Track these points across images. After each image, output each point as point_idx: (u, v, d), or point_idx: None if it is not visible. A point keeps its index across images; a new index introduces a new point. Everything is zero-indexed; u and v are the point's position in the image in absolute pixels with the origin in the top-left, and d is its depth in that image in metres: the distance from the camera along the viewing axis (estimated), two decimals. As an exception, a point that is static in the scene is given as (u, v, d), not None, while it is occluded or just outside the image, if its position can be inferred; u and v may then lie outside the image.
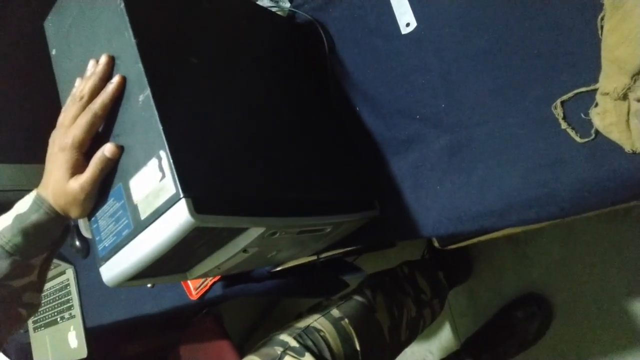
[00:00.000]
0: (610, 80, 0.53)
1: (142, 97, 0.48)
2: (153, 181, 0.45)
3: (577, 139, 0.57)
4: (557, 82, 0.58)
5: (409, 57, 0.71)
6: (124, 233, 0.47)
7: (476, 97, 0.65)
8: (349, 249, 0.82)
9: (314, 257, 0.80)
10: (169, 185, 0.44)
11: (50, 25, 0.62)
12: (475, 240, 0.83)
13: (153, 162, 0.46)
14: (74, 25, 0.58)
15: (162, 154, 0.45)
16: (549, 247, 1.20)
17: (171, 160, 0.44)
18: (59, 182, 0.53)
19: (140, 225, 0.46)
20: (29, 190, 0.58)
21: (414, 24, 0.70)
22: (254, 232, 0.52)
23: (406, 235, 0.71)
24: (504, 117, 0.62)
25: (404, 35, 0.72)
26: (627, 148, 0.53)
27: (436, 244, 0.86)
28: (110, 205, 0.50)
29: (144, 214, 0.45)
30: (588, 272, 1.14)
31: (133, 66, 0.50)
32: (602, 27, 0.55)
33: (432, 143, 0.69)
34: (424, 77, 0.70)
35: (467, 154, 0.65)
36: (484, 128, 0.64)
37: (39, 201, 0.56)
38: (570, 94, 0.57)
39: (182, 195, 0.43)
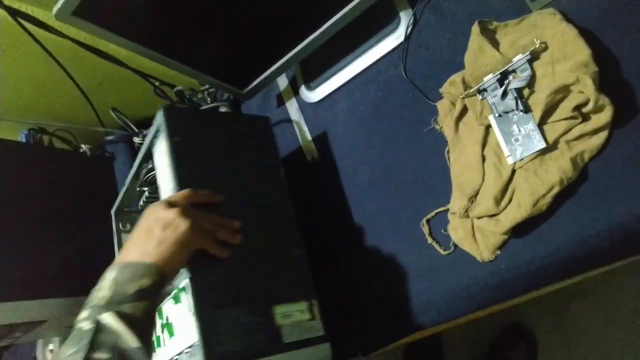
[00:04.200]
0: (455, 202, 0.64)
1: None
2: (302, 318, 0.64)
3: (441, 251, 0.66)
4: (422, 204, 0.69)
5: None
6: (258, 346, 0.58)
7: (365, 219, 0.76)
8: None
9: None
10: (318, 327, 0.65)
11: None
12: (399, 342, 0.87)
13: (305, 303, 0.65)
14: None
15: (314, 302, 0.67)
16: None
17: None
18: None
19: (281, 346, 0.60)
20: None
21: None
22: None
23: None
24: (386, 236, 0.72)
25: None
26: (478, 258, 0.62)
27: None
28: (241, 315, 0.59)
29: (287, 338, 0.61)
30: None
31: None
32: (449, 158, 0.68)
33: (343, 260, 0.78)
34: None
35: (370, 274, 0.74)
36: (371, 246, 0.74)
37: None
38: (432, 214, 0.68)
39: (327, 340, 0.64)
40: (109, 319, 0.47)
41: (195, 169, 0.66)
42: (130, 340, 0.46)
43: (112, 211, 0.90)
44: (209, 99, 1.00)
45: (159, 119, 0.68)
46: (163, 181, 0.69)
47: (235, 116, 0.93)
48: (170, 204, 0.57)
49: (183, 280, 0.60)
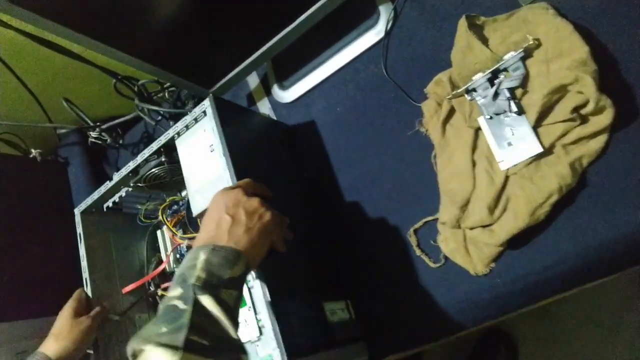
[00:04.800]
0: (445, 211, 0.59)
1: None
2: (344, 316, 0.64)
3: (431, 264, 0.61)
4: (408, 212, 0.64)
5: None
6: (320, 340, 0.58)
7: (346, 229, 0.70)
8: None
9: None
10: (356, 326, 0.66)
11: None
12: None
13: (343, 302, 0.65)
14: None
15: (349, 302, 0.67)
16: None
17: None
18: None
19: (334, 342, 0.59)
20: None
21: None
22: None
23: None
24: (369, 248, 0.67)
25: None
26: (471, 271, 0.57)
27: None
28: (303, 309, 0.58)
29: (337, 334, 0.61)
30: None
31: None
32: (436, 163, 0.63)
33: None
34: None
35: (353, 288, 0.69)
36: (354, 259, 0.68)
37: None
38: (420, 223, 0.63)
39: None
40: (207, 301, 0.43)
41: (242, 162, 0.62)
42: (229, 329, 0.43)
43: (78, 211, 0.81)
44: (168, 98, 0.92)
45: (204, 107, 0.64)
46: (196, 174, 0.65)
47: (262, 115, 0.86)
48: (244, 190, 0.53)
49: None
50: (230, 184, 0.58)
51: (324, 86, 0.78)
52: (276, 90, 0.83)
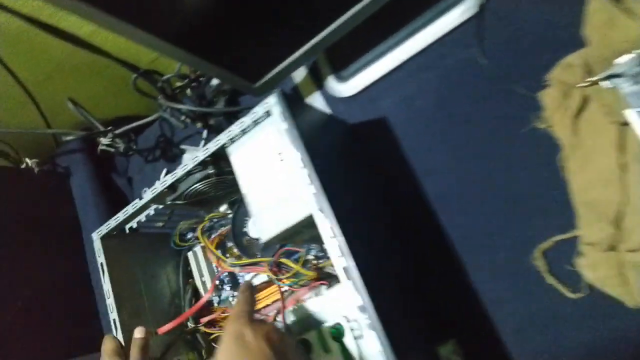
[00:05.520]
0: (592, 229, 0.47)
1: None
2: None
3: (569, 294, 0.49)
4: (527, 229, 0.52)
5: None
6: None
7: (441, 250, 0.57)
8: None
9: None
10: None
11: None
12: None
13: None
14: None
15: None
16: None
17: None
18: None
19: None
20: None
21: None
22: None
23: None
24: (475, 273, 0.55)
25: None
26: (629, 303, 0.46)
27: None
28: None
29: None
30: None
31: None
32: (565, 167, 0.51)
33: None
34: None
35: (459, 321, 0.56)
36: (455, 286, 0.56)
37: None
38: (549, 243, 0.51)
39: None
40: None
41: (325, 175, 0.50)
42: None
43: (97, 236, 0.66)
44: (191, 95, 0.77)
45: (269, 106, 0.51)
46: (260, 190, 0.52)
47: (326, 114, 0.73)
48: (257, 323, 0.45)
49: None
50: (313, 202, 0.45)
51: (396, 76, 0.65)
52: (332, 83, 0.70)
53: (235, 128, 0.54)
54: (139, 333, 0.55)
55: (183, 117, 0.79)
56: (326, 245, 0.46)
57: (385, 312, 0.43)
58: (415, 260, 0.59)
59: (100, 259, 0.65)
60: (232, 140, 0.55)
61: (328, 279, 0.58)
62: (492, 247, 0.54)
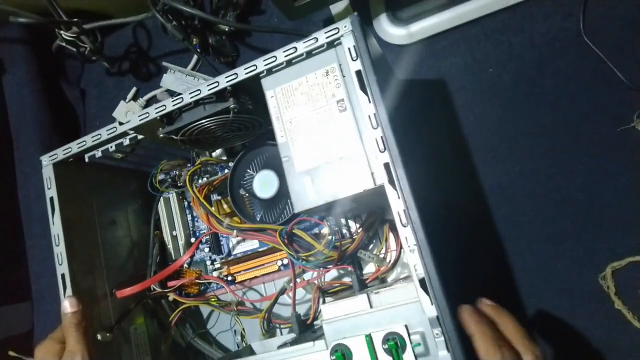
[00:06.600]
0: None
1: None
2: None
3: (636, 323, 0.43)
4: (603, 244, 0.45)
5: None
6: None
7: (494, 254, 0.49)
8: None
9: None
10: None
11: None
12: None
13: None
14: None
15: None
16: None
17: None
18: None
19: None
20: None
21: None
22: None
23: None
24: (529, 288, 0.47)
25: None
26: None
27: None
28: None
29: None
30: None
31: None
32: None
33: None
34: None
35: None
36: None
37: None
38: (622, 263, 0.44)
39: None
40: None
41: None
42: None
43: (49, 160, 0.48)
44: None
45: (339, 32, 0.38)
46: (306, 145, 0.39)
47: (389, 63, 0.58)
48: None
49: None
50: (383, 175, 0.34)
51: (468, 31, 0.53)
52: (384, 24, 0.56)
53: (279, 54, 0.40)
54: (69, 306, 0.44)
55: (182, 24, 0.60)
56: (401, 235, 0.35)
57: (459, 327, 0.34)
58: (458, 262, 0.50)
59: (51, 191, 0.48)
60: (271, 71, 0.41)
61: (350, 263, 0.48)
62: (555, 256, 0.46)
